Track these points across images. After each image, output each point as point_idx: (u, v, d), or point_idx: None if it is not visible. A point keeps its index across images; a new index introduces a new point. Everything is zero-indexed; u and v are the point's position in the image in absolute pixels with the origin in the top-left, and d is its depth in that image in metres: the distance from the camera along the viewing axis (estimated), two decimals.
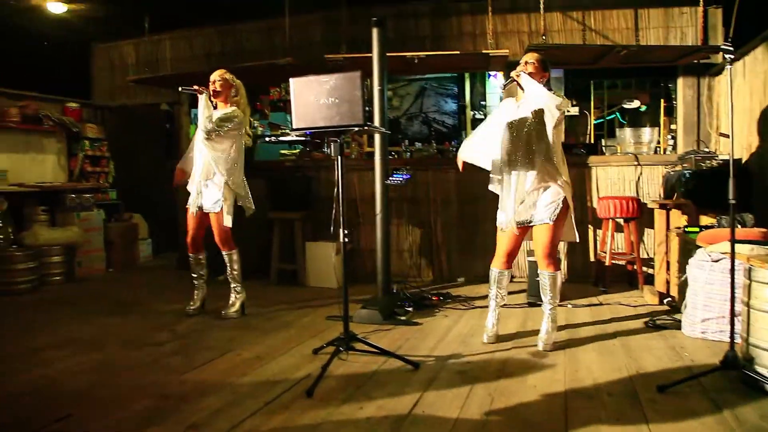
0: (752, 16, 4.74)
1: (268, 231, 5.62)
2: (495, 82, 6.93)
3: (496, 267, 3.54)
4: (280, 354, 3.37)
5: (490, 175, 3.49)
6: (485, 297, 4.81)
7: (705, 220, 4.43)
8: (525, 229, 3.42)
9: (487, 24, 5.36)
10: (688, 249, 4.12)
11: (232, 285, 4.26)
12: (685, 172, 4.51)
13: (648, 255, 5.26)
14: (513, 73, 3.29)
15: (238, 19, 6.18)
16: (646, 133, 5.50)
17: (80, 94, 6.85)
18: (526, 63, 3.32)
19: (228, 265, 4.24)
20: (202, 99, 4.00)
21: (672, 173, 4.79)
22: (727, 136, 5.01)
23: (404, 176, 4.33)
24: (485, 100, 7.03)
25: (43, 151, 6.33)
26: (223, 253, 4.22)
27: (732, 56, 2.53)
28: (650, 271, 5.09)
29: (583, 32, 5.43)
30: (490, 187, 3.52)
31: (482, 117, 7.03)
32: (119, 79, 6.81)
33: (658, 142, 5.64)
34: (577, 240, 3.61)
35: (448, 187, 5.58)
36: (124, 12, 6.08)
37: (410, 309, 4.36)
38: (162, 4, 5.87)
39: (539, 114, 3.21)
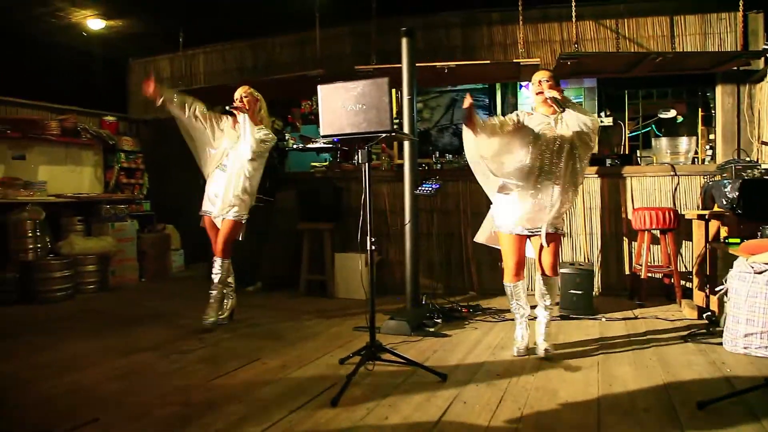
0: None
1: (298, 242, 5.64)
2: (526, 92, 6.84)
3: (509, 282, 3.50)
4: (306, 363, 3.34)
5: (506, 182, 3.39)
6: None
7: (746, 231, 4.26)
8: (526, 237, 3.42)
9: (518, 33, 5.30)
10: (728, 261, 3.97)
11: (215, 292, 4.24)
12: (725, 181, 4.36)
13: (686, 268, 5.07)
14: (549, 94, 3.22)
15: (269, 33, 6.27)
16: (683, 142, 5.34)
17: (117, 107, 7.04)
18: (541, 82, 3.29)
19: (219, 272, 4.21)
20: (247, 119, 4.02)
21: (711, 183, 4.63)
22: None
23: (433, 186, 4.27)
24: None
25: (81, 163, 6.51)
26: (220, 259, 4.20)
27: None
28: (688, 284, 4.91)
29: (616, 40, 5.32)
30: (499, 192, 3.45)
31: None
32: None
33: (696, 152, 5.46)
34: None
35: (479, 199, 5.48)
36: (161, 28, 6.23)
37: (439, 321, 4.29)
38: (196, 20, 6.00)
39: (579, 134, 3.21)
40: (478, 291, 5.48)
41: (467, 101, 3.01)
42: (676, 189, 5.17)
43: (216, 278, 4.21)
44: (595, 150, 5.95)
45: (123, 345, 3.76)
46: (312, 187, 5.76)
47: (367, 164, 2.95)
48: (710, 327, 3.90)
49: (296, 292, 5.58)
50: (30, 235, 5.33)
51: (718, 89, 5.27)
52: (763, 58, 5.10)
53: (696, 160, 5.45)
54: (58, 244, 5.60)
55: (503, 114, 7.00)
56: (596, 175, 5.29)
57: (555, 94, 3.18)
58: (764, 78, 5.06)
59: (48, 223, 5.60)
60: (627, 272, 5.27)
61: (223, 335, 4.04)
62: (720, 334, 3.59)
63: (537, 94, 3.31)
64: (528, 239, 3.45)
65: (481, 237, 3.69)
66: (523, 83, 6.60)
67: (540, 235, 3.32)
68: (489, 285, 5.48)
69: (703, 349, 3.46)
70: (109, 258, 5.87)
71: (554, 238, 3.35)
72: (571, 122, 3.19)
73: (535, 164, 3.26)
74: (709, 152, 5.63)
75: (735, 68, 5.16)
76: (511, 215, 3.38)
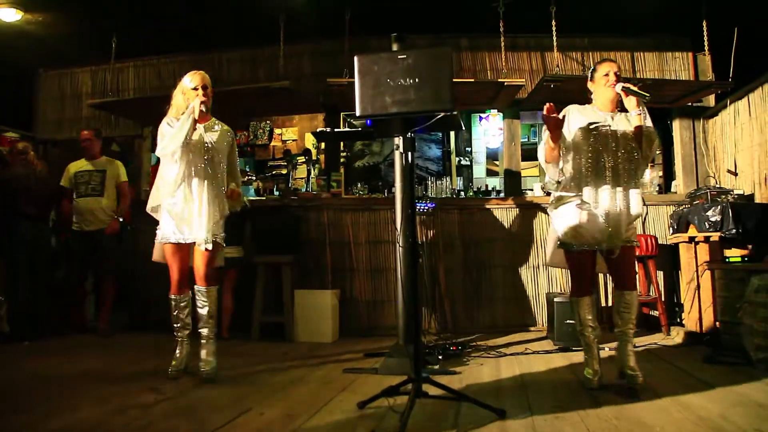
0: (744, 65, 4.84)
1: (247, 278, 4.87)
2: (481, 128, 6.74)
3: (578, 296, 3.06)
4: (316, 411, 2.66)
5: (563, 193, 3.06)
6: (508, 345, 4.36)
7: (728, 253, 4.26)
8: (592, 252, 3.02)
9: (486, 60, 5.20)
10: (728, 280, 3.88)
11: (211, 333, 3.39)
12: (706, 206, 4.38)
13: (662, 296, 4.98)
14: (620, 88, 2.92)
15: (216, 47, 5.66)
16: (647, 174, 5.39)
17: (21, 124, 5.94)
18: (608, 74, 2.98)
19: (207, 305, 3.35)
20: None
21: (687, 209, 4.63)
22: (735, 173, 4.99)
23: (428, 205, 3.85)
24: (470, 146, 6.79)
25: None
26: (205, 289, 3.36)
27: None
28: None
29: (582, 72, 5.36)
30: (558, 205, 3.09)
31: (467, 163, 6.77)
32: (70, 109, 6.00)
33: (660, 184, 5.57)
34: None
35: (452, 230, 5.14)
36: (82, 36, 5.42)
37: (440, 357, 3.77)
38: (128, 29, 5.28)
39: (638, 137, 2.91)
40: (452, 329, 5.01)
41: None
42: (645, 218, 5.17)
43: (206, 315, 3.38)
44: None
45: (53, 406, 2.82)
46: (266, 216, 5.08)
47: (409, 154, 2.45)
48: (720, 349, 3.75)
49: (246, 337, 4.78)
50: None
51: (676, 123, 5.44)
52: (713, 96, 5.36)
53: (660, 189, 5.54)
54: None
55: (457, 149, 6.88)
56: None
57: (629, 85, 2.90)
58: (717, 114, 5.29)
59: None
60: (603, 304, 5.09)
61: (184, 385, 3.21)
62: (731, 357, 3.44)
63: (605, 86, 2.98)
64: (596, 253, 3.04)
65: (552, 259, 3.24)
66: (483, 115, 6.49)
67: (610, 249, 2.94)
68: (463, 323, 5.07)
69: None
70: None
71: (626, 251, 2.95)
72: (633, 121, 2.91)
73: (589, 167, 2.94)
74: (659, 181, 5.78)
75: (690, 104, 5.37)
76: (572, 229, 2.97)
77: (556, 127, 2.90)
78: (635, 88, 2.89)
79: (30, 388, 3.17)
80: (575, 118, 3.01)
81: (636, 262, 3.09)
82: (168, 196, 3.30)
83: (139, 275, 5.40)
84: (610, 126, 2.96)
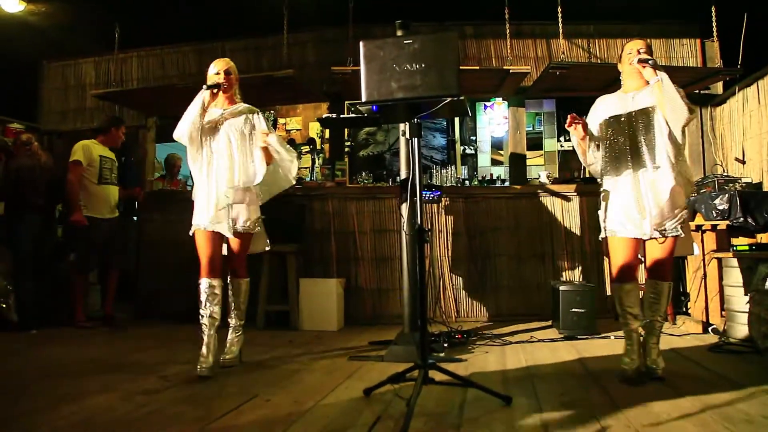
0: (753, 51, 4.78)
1: (252, 267, 4.87)
2: (486, 117, 6.71)
3: (619, 282, 2.95)
4: (322, 397, 2.67)
5: (605, 176, 3.00)
6: (513, 333, 4.35)
7: (736, 242, 4.24)
8: (635, 240, 2.91)
9: (490, 47, 5.16)
10: (743, 267, 3.86)
11: (238, 322, 3.48)
12: (713, 194, 4.35)
13: None
14: (639, 59, 2.84)
15: (219, 37, 5.63)
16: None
17: (26, 115, 5.94)
18: (632, 51, 2.93)
19: (237, 296, 3.45)
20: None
21: (693, 198, 4.60)
22: (743, 161, 4.95)
23: (434, 193, 3.84)
24: (475, 135, 6.76)
25: None
26: (241, 280, 3.45)
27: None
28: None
29: (588, 59, 5.32)
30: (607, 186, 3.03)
31: (472, 152, 6.74)
32: (74, 100, 6.00)
33: None
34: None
35: (456, 219, 5.13)
36: (85, 26, 5.40)
37: (446, 345, 3.77)
38: (131, 19, 5.25)
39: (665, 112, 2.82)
40: (456, 318, 5.02)
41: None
42: None
43: (235, 306, 3.46)
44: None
45: (61, 393, 2.84)
46: (271, 205, 5.06)
47: (415, 140, 2.44)
48: (727, 340, 3.74)
49: (252, 325, 4.78)
50: None
51: None
52: (721, 83, 5.31)
53: None
54: None
55: (462, 138, 6.86)
56: (575, 193, 5.15)
57: (643, 56, 2.85)
58: (725, 102, 5.24)
59: None
60: (608, 293, 5.08)
61: (190, 371, 3.22)
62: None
63: (629, 64, 2.92)
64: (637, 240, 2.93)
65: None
66: (488, 104, 6.45)
67: (651, 238, 2.86)
68: (467, 312, 5.08)
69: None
70: None
71: (670, 240, 2.85)
72: (654, 91, 2.82)
73: (609, 155, 2.92)
74: None
75: (697, 92, 5.32)
76: (613, 215, 2.94)
77: (582, 132, 2.94)
78: (646, 56, 2.84)
79: (38, 375, 3.18)
80: (595, 113, 3.03)
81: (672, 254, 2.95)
82: (194, 181, 3.35)
83: (142, 267, 5.41)
84: (627, 108, 2.92)
